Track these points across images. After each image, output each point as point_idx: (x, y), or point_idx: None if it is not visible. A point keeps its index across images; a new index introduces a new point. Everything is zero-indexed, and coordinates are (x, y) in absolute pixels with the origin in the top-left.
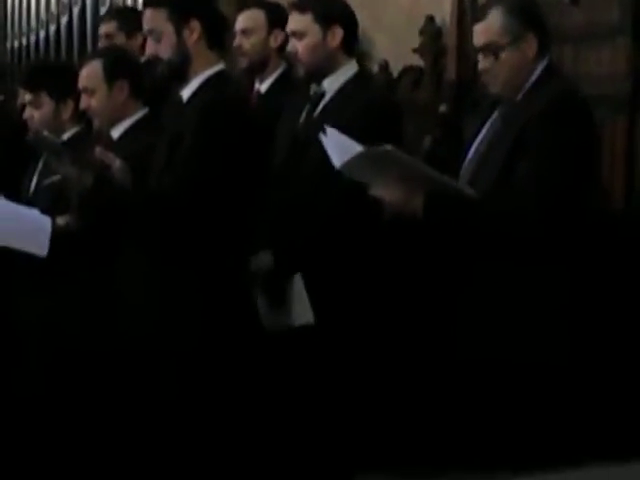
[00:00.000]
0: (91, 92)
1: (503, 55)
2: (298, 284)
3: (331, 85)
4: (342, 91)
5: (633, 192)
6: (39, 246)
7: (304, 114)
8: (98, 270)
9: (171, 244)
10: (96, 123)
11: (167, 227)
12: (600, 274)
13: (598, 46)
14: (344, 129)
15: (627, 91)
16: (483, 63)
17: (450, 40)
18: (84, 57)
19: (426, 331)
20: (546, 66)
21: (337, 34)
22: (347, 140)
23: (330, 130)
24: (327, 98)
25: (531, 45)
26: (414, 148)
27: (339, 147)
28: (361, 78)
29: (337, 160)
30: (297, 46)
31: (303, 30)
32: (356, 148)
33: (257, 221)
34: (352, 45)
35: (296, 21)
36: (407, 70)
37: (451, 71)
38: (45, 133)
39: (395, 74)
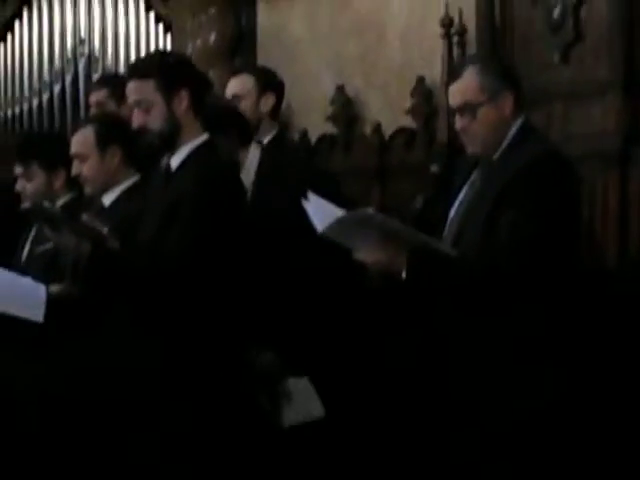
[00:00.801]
0: (83, 158)
1: (480, 113)
2: (303, 381)
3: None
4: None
5: (627, 249)
6: (35, 312)
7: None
8: (91, 338)
9: (166, 317)
10: (87, 190)
11: (164, 300)
12: (592, 330)
13: (588, 103)
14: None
15: (618, 147)
16: (461, 122)
17: (441, 101)
18: (76, 124)
19: (421, 389)
20: (522, 124)
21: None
22: (327, 204)
23: (311, 195)
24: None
25: (507, 102)
26: (406, 208)
27: (320, 212)
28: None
29: (319, 225)
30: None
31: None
32: (336, 212)
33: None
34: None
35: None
36: (399, 131)
37: (442, 132)
38: (44, 202)
39: (387, 135)
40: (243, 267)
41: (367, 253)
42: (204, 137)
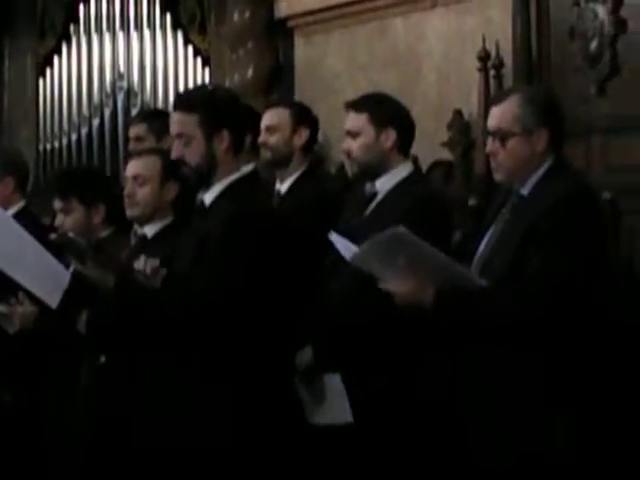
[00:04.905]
0: (143, 182)
1: (510, 143)
2: (337, 382)
3: (383, 185)
4: (394, 192)
5: None
6: (52, 296)
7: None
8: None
9: (197, 349)
10: (135, 212)
11: (190, 332)
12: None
13: (627, 136)
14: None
15: None
16: (490, 146)
17: (478, 133)
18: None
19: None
20: (555, 161)
21: (390, 135)
22: (347, 242)
23: (333, 233)
24: (379, 198)
25: (541, 140)
26: None
27: (342, 245)
28: (414, 179)
29: (347, 255)
30: (352, 145)
31: (358, 130)
32: (352, 247)
33: (301, 316)
34: (407, 147)
35: (352, 120)
36: (437, 164)
37: (480, 164)
38: (70, 234)
39: (424, 168)
40: (276, 296)
41: (394, 284)
42: (240, 173)
